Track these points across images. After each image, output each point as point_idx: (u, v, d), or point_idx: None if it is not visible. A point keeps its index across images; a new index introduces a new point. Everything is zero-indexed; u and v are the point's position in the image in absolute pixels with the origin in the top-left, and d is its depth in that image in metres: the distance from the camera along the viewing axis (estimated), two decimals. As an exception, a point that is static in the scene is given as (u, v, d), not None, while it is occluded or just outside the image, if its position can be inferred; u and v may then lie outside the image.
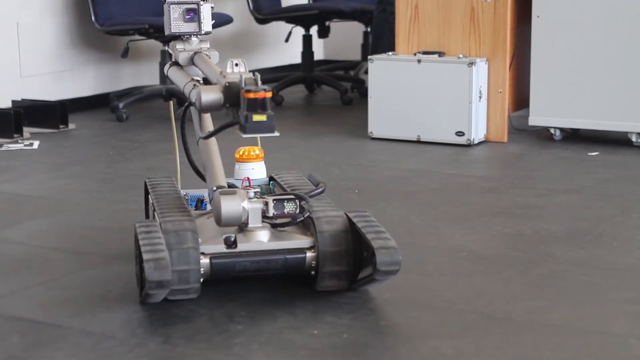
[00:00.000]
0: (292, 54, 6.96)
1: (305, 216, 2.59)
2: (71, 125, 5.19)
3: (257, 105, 2.38)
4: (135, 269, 2.66)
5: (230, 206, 2.53)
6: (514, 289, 2.71)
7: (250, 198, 2.58)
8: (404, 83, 4.72)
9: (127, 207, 3.58)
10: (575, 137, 4.76)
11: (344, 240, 2.59)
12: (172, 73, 2.94)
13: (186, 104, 2.83)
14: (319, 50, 7.34)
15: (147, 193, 3.09)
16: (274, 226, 2.61)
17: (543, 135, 4.80)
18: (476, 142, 4.65)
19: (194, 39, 2.96)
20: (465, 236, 3.20)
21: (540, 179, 3.99)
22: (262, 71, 6.58)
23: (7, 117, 4.89)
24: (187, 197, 2.94)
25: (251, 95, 2.38)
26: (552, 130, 4.73)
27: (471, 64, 4.57)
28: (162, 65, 5.64)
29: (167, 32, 2.96)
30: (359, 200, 3.65)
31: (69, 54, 5.67)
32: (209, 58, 2.86)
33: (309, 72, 6.39)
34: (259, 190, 2.82)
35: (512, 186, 3.86)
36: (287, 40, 6.43)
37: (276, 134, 2.42)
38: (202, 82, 2.79)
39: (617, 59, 4.49)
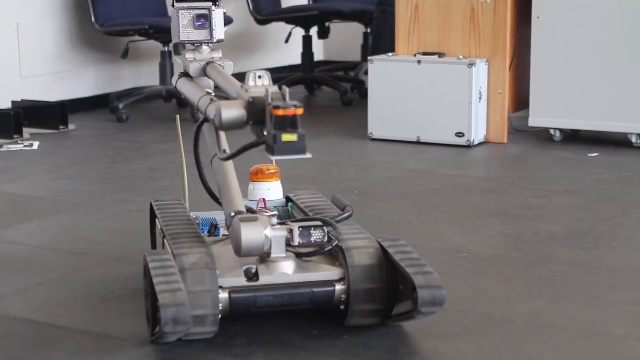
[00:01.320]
0: (292, 55, 6.96)
1: (333, 245, 2.33)
2: (71, 126, 5.19)
3: (287, 123, 2.11)
4: (145, 305, 2.41)
5: (251, 234, 2.26)
6: (514, 289, 2.71)
7: (272, 225, 2.31)
8: (403, 84, 4.71)
9: (127, 207, 3.58)
10: (575, 138, 4.76)
11: (378, 275, 2.33)
12: (183, 85, 2.69)
13: (201, 119, 2.52)
14: (319, 51, 7.34)
15: (152, 216, 2.82)
16: (298, 256, 2.36)
17: (543, 136, 4.80)
18: (476, 142, 4.65)
19: (204, 47, 2.72)
20: (465, 237, 3.20)
21: (540, 179, 3.99)
22: (262, 72, 6.57)
23: (7, 118, 4.88)
24: (198, 221, 2.69)
25: (280, 112, 2.10)
26: (552, 131, 4.73)
27: (471, 64, 4.57)
28: (162, 66, 5.64)
29: (175, 40, 2.72)
30: (359, 201, 3.65)
31: (69, 54, 5.66)
32: (223, 68, 2.62)
33: (308, 72, 6.39)
34: (276, 212, 2.62)
35: (512, 187, 3.86)
36: (287, 41, 6.43)
37: (308, 155, 2.12)
38: (213, 94, 2.56)
39: (616, 60, 4.49)
